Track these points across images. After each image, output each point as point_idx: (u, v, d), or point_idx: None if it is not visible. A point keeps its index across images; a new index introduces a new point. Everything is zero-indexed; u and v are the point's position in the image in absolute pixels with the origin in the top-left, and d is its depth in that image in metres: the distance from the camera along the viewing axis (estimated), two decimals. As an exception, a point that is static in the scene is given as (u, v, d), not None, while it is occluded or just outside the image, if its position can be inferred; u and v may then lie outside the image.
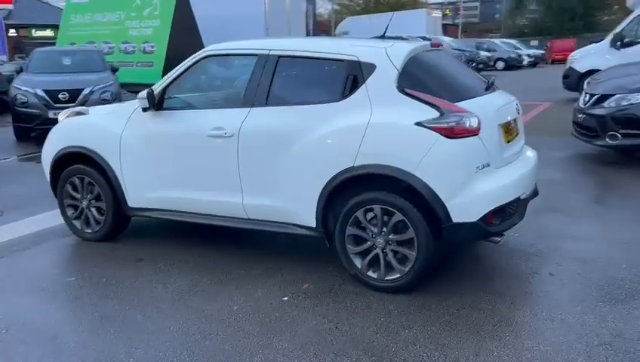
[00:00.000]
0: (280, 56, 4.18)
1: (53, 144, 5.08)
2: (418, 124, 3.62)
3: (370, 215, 3.85)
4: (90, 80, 10.90)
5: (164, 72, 12.46)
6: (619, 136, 7.02)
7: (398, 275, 3.80)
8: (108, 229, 4.94)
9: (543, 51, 36.22)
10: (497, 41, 33.74)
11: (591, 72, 12.39)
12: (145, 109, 4.50)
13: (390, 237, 3.79)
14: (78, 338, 3.42)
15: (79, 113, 5.11)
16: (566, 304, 3.66)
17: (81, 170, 4.94)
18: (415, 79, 3.83)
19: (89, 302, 3.89)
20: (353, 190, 3.84)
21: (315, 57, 4.10)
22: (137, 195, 4.70)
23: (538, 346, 3.18)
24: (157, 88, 4.49)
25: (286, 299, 3.85)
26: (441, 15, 36.73)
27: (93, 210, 4.99)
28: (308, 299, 3.84)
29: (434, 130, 3.58)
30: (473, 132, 3.62)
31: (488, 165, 3.71)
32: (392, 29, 5.09)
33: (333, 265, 4.25)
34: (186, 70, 4.51)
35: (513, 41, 34.19)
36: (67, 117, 5.17)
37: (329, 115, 3.89)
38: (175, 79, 4.53)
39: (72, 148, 4.92)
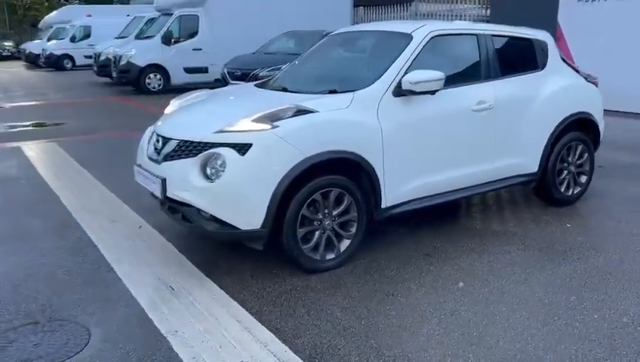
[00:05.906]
0: (492, 35, 4.86)
1: (287, 155, 3.70)
2: (587, 80, 5.37)
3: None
4: None
5: None
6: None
7: (580, 189, 5.47)
8: (358, 243, 4.14)
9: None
10: None
11: (151, 65, 15.69)
12: (400, 94, 4.18)
13: (577, 162, 5.40)
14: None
15: (300, 112, 3.81)
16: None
17: (330, 182, 3.90)
18: (555, 51, 5.45)
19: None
20: (566, 132, 5.20)
21: (512, 36, 5.08)
22: (394, 192, 4.24)
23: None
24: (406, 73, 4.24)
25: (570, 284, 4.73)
26: None
27: (336, 227, 4.02)
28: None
29: (594, 84, 5.44)
30: (592, 85, 5.67)
31: None
32: None
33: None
34: (420, 51, 4.42)
35: None
36: (268, 119, 3.75)
37: (542, 81, 5.10)
38: (413, 61, 4.36)
39: (328, 155, 3.82)
